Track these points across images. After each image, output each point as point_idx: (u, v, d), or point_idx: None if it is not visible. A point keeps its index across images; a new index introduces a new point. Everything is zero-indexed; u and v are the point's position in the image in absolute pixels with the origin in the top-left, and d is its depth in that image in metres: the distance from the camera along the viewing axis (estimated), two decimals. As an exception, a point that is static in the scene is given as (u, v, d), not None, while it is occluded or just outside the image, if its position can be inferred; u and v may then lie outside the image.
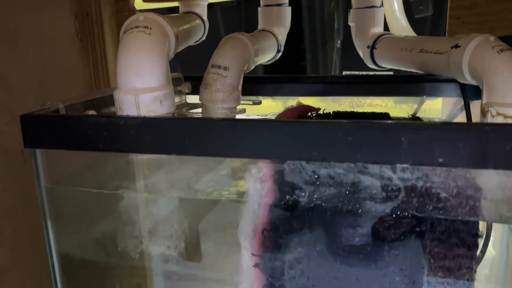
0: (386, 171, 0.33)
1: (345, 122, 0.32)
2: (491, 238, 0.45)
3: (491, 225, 0.37)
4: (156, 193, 0.45)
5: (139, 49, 0.40)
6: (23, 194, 0.61)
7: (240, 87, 0.55)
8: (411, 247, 0.35)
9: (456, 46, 0.49)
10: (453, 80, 0.57)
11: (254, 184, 0.37)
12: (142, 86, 0.39)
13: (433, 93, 0.60)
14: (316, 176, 0.34)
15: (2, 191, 0.58)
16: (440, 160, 0.30)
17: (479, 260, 0.42)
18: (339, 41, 1.25)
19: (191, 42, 0.62)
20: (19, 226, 0.61)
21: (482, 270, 0.49)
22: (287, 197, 0.36)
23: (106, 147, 0.37)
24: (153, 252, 0.51)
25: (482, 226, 0.35)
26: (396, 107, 0.65)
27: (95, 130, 0.37)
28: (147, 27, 0.41)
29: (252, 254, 0.39)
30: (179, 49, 0.55)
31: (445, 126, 0.30)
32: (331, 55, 1.26)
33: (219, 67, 0.54)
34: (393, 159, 0.31)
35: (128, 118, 0.37)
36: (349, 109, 0.62)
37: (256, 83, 0.63)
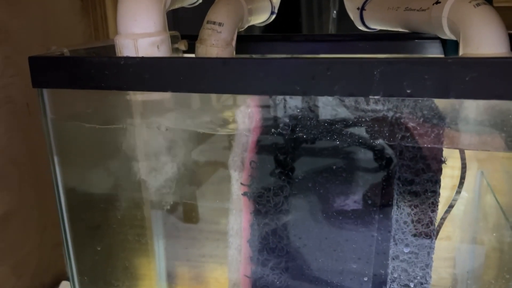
0: (361, 103, 0.36)
1: (324, 57, 0.35)
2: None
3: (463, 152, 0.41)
4: (155, 128, 0.49)
5: (138, -3, 0.43)
6: (29, 145, 0.64)
7: (234, 43, 0.58)
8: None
9: (437, 2, 0.52)
10: (437, 38, 0.60)
11: (243, 119, 0.40)
12: (140, 31, 0.43)
13: (417, 51, 0.63)
14: (298, 110, 0.38)
15: (9, 140, 0.62)
16: (408, 91, 0.33)
17: (455, 199, 0.46)
18: (335, 11, 1.26)
19: (188, 2, 0.64)
20: (25, 175, 0.64)
21: (457, 212, 0.54)
22: (272, 130, 0.40)
23: (107, 85, 0.40)
24: (152, 184, 0.55)
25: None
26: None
27: (97, 70, 0.40)
28: (145, -23, 0.43)
29: (241, 184, 0.42)
30: (176, 6, 0.58)
31: (413, 60, 0.34)
32: (326, 25, 1.28)
33: (214, 23, 0.57)
34: (366, 91, 0.34)
35: (128, 58, 0.40)
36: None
37: (250, 42, 0.66)
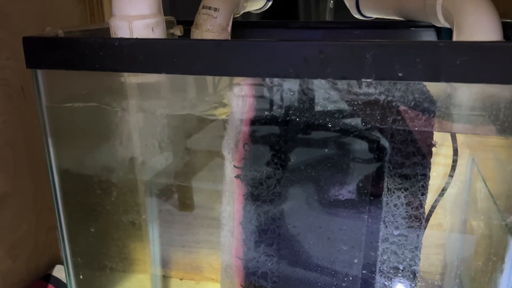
0: (353, 86, 0.36)
1: (316, 41, 0.35)
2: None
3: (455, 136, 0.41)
4: (148, 112, 0.49)
5: (133, -21, 0.43)
6: (24, 127, 0.65)
7: (229, 28, 0.58)
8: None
9: (432, -10, 0.52)
10: (431, 26, 0.60)
11: (237, 102, 0.41)
12: (135, 13, 0.43)
13: (412, 39, 0.63)
14: (291, 93, 0.38)
15: (5, 123, 0.62)
16: (400, 74, 0.34)
17: (448, 182, 0.47)
18: (331, 1, 1.25)
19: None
20: (20, 158, 0.65)
21: (448, 199, 0.54)
22: (266, 113, 0.40)
23: (102, 66, 0.41)
24: (145, 165, 0.56)
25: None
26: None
27: (92, 51, 0.40)
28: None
29: (234, 166, 0.43)
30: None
31: (404, 44, 0.34)
32: (323, 16, 1.28)
33: (210, 8, 0.57)
34: (359, 74, 0.35)
35: (122, 39, 0.40)
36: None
37: (246, 28, 0.66)
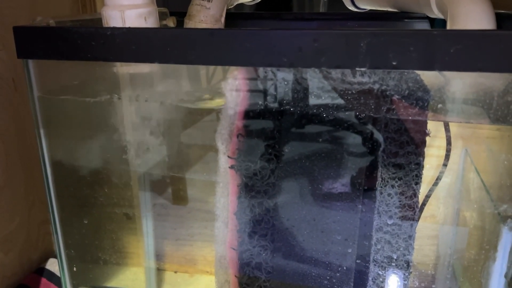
0: (347, 75, 0.36)
1: (311, 29, 0.35)
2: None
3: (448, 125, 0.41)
4: (141, 102, 0.49)
5: (125, -33, 0.42)
6: (15, 119, 0.64)
7: (223, 19, 0.58)
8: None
9: (426, -20, 0.52)
10: (425, 17, 0.60)
11: (230, 92, 0.40)
12: (127, 3, 0.42)
13: (406, 31, 0.63)
14: (285, 83, 0.38)
15: (-5, 115, 0.61)
16: (394, 63, 0.34)
17: (442, 171, 0.47)
18: (326, -6, 1.25)
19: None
20: (12, 150, 0.64)
21: (441, 190, 0.55)
22: (260, 103, 0.40)
23: (94, 56, 0.40)
24: (139, 158, 0.55)
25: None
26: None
27: (84, 40, 0.40)
28: None
29: (228, 156, 0.43)
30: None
31: (398, 32, 0.34)
32: (317, 8, 1.28)
33: (203, -2, 0.56)
34: (353, 63, 0.35)
35: (115, 29, 0.40)
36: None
37: (239, 19, 0.66)
